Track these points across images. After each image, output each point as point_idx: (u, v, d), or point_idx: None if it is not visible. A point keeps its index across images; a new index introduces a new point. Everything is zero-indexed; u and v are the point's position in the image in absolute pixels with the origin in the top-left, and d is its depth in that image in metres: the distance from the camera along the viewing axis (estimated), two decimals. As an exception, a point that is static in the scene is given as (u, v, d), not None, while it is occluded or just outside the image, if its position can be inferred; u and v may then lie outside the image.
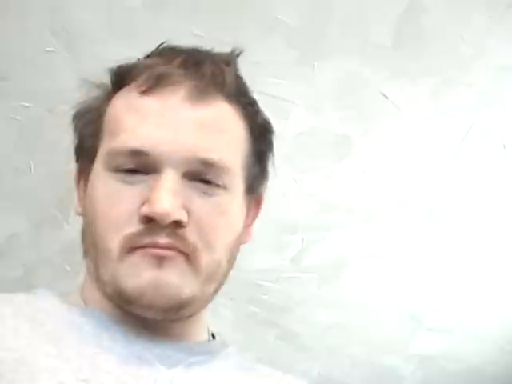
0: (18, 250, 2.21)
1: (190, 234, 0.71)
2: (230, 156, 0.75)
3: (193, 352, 0.76)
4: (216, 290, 0.76)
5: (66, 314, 0.75)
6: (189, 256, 0.72)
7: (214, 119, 0.74)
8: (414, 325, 2.53)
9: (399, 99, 1.87)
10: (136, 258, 0.71)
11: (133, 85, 0.76)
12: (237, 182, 0.76)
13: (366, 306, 2.46)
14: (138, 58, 0.80)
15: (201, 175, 0.73)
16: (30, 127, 1.89)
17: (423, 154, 2.01)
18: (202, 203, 0.73)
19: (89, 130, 0.78)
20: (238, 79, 0.80)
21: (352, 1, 1.67)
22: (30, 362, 0.67)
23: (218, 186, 0.74)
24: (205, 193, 0.73)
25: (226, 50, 0.82)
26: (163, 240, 0.70)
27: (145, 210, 0.70)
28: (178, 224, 0.70)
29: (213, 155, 0.73)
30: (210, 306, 0.80)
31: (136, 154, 0.72)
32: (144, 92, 0.74)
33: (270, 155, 0.82)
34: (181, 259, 0.71)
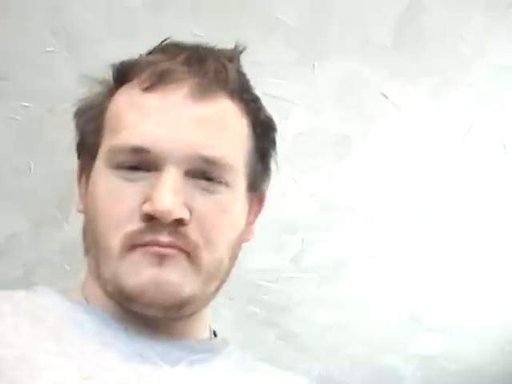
0: (18, 250, 2.21)
1: (192, 232, 0.71)
2: (232, 153, 0.74)
3: (194, 350, 0.75)
4: (217, 289, 0.76)
5: (67, 311, 0.74)
6: (190, 254, 0.71)
7: (216, 116, 0.74)
8: (413, 325, 2.53)
9: (399, 99, 1.87)
10: (137, 255, 0.70)
11: (135, 81, 0.75)
12: (239, 179, 0.76)
13: (366, 306, 2.46)
14: (141, 54, 0.79)
15: (203, 173, 0.73)
16: (30, 127, 1.89)
17: (423, 154, 2.01)
18: (203, 201, 0.72)
19: (90, 126, 0.78)
20: (241, 76, 0.80)
21: (352, 1, 1.67)
22: (31, 359, 0.67)
23: (220, 183, 0.73)
24: (207, 190, 0.73)
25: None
26: (164, 238, 0.70)
27: (146, 207, 0.70)
28: (179, 222, 0.70)
29: (215, 153, 0.72)
30: (211, 304, 0.80)
31: (137, 151, 0.72)
32: (146, 89, 0.74)
33: (273, 152, 0.82)
34: (182, 257, 0.71)
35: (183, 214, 0.70)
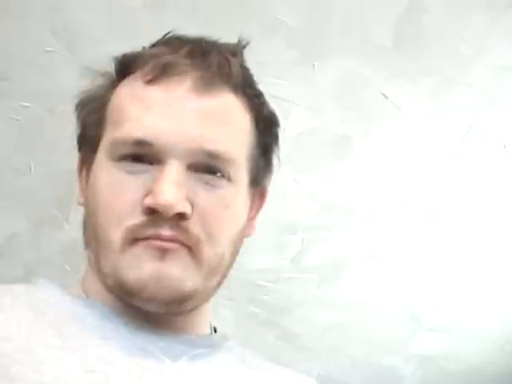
0: (18, 250, 2.21)
1: (194, 226, 0.71)
2: (235, 148, 0.74)
3: (195, 345, 0.75)
4: (219, 283, 0.76)
5: (68, 305, 0.74)
6: (192, 249, 0.71)
7: (219, 110, 0.74)
8: (413, 325, 2.53)
9: (399, 99, 1.87)
10: (138, 249, 0.70)
11: (138, 74, 0.75)
12: (241, 174, 0.75)
13: (366, 306, 2.46)
14: (144, 47, 0.79)
15: (205, 167, 0.72)
16: (30, 127, 1.89)
17: (423, 154, 2.01)
18: (206, 195, 0.72)
19: (92, 118, 0.77)
20: (244, 70, 0.79)
21: (352, 1, 1.67)
22: (33, 353, 0.67)
23: (222, 177, 0.73)
24: (209, 184, 0.72)
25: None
26: (166, 232, 0.69)
27: (148, 201, 0.69)
28: (181, 216, 0.70)
29: (218, 147, 0.72)
30: (211, 300, 0.79)
31: (140, 144, 0.71)
32: (149, 81, 0.73)
33: (275, 148, 0.82)
34: (184, 252, 0.70)
35: (185, 207, 0.70)
